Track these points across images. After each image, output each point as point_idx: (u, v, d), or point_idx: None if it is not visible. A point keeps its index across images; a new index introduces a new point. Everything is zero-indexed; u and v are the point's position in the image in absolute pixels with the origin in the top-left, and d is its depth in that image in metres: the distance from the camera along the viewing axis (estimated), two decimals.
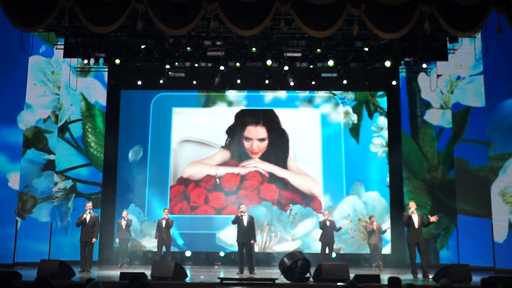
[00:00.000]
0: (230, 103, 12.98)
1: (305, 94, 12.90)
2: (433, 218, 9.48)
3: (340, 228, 11.09)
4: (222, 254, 12.23)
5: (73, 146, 12.47)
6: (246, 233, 9.90)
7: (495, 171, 11.31)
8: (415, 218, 9.49)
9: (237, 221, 9.89)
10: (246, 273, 9.75)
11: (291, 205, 12.44)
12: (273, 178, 12.55)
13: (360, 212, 12.30)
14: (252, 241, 9.98)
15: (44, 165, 12.02)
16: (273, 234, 12.31)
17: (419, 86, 12.59)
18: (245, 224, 9.89)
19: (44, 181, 11.99)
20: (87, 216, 10.17)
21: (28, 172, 11.83)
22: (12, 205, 11.44)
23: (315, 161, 12.65)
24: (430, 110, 12.51)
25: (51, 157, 12.12)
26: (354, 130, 12.80)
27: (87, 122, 12.60)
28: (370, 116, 12.83)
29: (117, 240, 11.36)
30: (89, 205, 10.39)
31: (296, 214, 12.42)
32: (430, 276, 9.05)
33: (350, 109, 12.87)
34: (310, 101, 12.92)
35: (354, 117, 12.84)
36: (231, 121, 12.85)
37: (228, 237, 12.19)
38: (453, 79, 12.20)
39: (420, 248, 9.48)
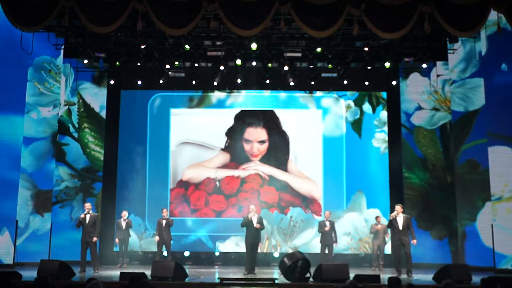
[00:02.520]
0: (229, 104, 12.86)
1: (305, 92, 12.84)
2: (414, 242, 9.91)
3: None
4: (217, 253, 12.23)
5: (78, 142, 12.47)
6: (256, 234, 9.88)
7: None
8: (400, 220, 9.77)
9: (247, 224, 9.87)
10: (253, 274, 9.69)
11: (291, 207, 12.39)
12: (273, 180, 12.46)
13: (361, 231, 12.13)
14: (257, 226, 9.88)
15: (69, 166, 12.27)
16: (273, 248, 12.21)
17: (425, 87, 12.51)
18: (255, 225, 9.86)
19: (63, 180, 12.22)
20: (87, 216, 10.18)
21: (57, 171, 12.09)
22: (15, 204, 11.45)
23: (315, 162, 12.54)
24: (422, 111, 12.45)
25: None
26: (356, 125, 12.72)
27: (85, 122, 12.58)
28: (373, 110, 12.75)
29: (116, 240, 11.35)
30: (88, 205, 10.39)
31: (297, 222, 12.32)
32: (413, 276, 9.35)
33: (352, 103, 12.78)
34: (311, 93, 12.71)
35: (356, 111, 12.74)
36: (230, 122, 12.73)
37: (229, 248, 12.28)
38: (451, 80, 12.18)
39: (405, 249, 9.73)
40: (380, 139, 12.63)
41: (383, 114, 12.71)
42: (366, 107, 12.74)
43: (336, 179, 12.49)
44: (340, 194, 12.45)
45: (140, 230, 12.28)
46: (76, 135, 12.49)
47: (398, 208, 9.91)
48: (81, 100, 12.59)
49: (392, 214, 9.88)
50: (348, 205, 12.39)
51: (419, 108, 12.48)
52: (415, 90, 12.49)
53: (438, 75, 12.13)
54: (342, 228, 12.05)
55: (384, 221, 11.41)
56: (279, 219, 12.34)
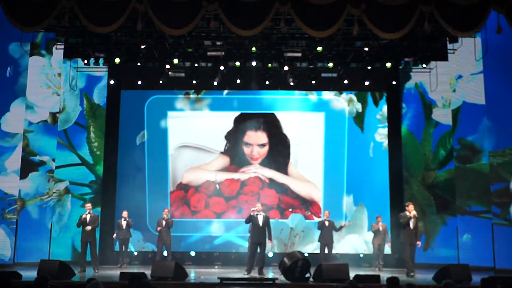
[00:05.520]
0: (228, 107, 12.75)
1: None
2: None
3: (341, 227, 11.07)
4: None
5: (67, 147, 12.34)
6: (262, 232, 9.79)
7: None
8: (412, 219, 9.68)
9: (251, 220, 9.83)
10: (253, 273, 9.65)
11: (291, 209, 12.34)
12: (273, 183, 12.40)
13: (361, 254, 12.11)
14: (269, 241, 9.88)
15: (35, 166, 11.98)
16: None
17: (423, 85, 12.54)
18: (260, 223, 9.79)
19: (36, 182, 11.95)
20: (87, 216, 10.18)
21: (18, 173, 11.82)
22: (5, 206, 11.45)
23: (316, 165, 12.45)
24: (433, 109, 12.45)
25: (44, 158, 12.07)
26: (358, 119, 12.62)
27: (91, 122, 12.56)
28: (376, 103, 12.67)
29: (114, 235, 11.30)
30: (89, 205, 10.40)
31: (297, 234, 12.25)
32: (412, 274, 9.43)
33: (354, 97, 12.68)
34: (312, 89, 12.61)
35: (358, 106, 12.63)
36: (230, 125, 12.63)
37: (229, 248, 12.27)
38: (453, 78, 12.20)
39: (411, 248, 9.70)
40: (383, 134, 12.57)
41: (386, 108, 12.63)
42: (369, 101, 12.67)
43: (336, 181, 12.40)
44: (340, 196, 12.38)
45: (139, 245, 12.18)
46: (74, 136, 12.40)
47: (411, 207, 9.78)
48: (85, 101, 12.55)
49: (412, 213, 9.69)
50: (348, 218, 12.28)
51: (428, 106, 12.48)
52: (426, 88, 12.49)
53: (439, 75, 12.11)
54: (342, 248, 12.09)
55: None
56: (279, 229, 12.23)
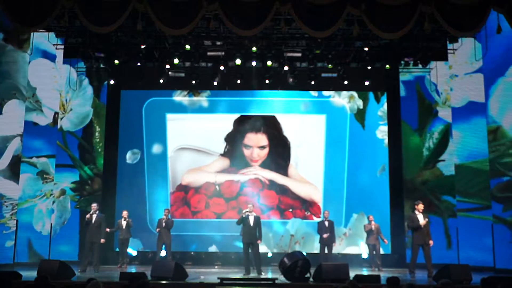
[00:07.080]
0: (228, 109, 12.72)
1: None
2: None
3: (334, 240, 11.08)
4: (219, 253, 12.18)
5: (63, 148, 12.33)
6: (252, 233, 9.81)
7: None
8: (421, 219, 9.57)
9: (242, 221, 9.85)
10: (253, 274, 9.65)
11: (291, 210, 12.33)
12: (273, 184, 12.40)
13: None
14: (258, 241, 9.90)
15: (31, 168, 11.97)
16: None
17: (423, 85, 12.53)
18: (251, 224, 9.81)
19: (32, 184, 11.93)
20: (93, 216, 10.17)
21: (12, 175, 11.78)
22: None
23: (317, 166, 12.44)
24: (433, 108, 12.44)
25: (41, 160, 12.06)
26: (360, 115, 12.60)
27: (97, 123, 12.54)
28: (377, 100, 12.65)
29: (107, 229, 11.17)
30: (94, 205, 10.34)
31: (297, 241, 12.22)
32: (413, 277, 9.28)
33: (355, 94, 12.64)
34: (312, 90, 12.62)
35: (359, 102, 12.60)
36: (229, 127, 12.61)
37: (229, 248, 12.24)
38: (453, 77, 12.21)
39: (426, 249, 9.54)
40: (384, 131, 12.55)
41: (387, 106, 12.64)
42: (370, 97, 12.65)
43: (337, 182, 12.39)
44: (340, 197, 12.37)
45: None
46: (72, 137, 12.41)
47: (420, 206, 9.66)
48: (92, 102, 12.53)
49: (419, 209, 9.61)
50: (348, 224, 12.27)
51: (430, 104, 12.47)
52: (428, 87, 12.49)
53: (439, 73, 12.12)
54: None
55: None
56: (279, 236, 12.24)
